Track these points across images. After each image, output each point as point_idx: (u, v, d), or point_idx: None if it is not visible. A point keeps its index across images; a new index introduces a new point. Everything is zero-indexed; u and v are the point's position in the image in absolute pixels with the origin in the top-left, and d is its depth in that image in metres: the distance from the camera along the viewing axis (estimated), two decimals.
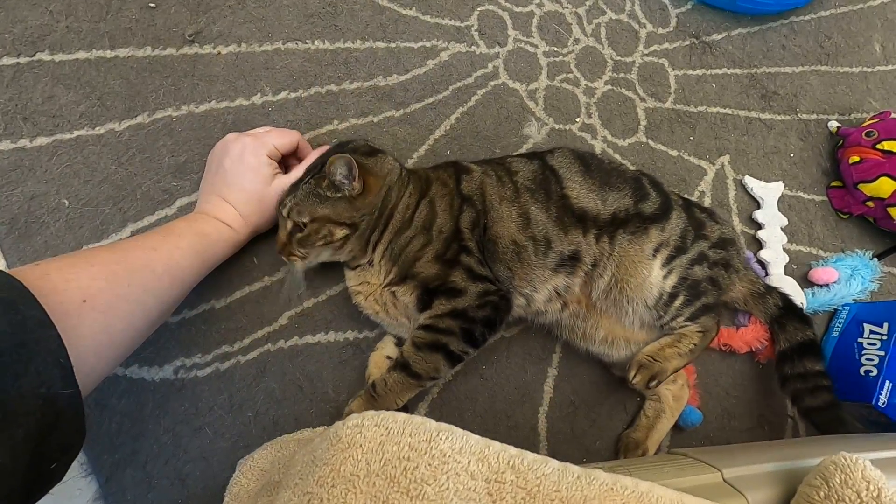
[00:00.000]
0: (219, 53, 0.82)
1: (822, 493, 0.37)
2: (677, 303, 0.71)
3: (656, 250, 0.71)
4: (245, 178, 0.66)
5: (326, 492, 0.33)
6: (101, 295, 0.48)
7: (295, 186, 0.66)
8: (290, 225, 0.64)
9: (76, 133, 0.74)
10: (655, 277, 0.70)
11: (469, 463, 0.35)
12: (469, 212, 0.67)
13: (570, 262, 0.69)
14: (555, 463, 0.36)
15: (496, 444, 0.37)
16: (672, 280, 0.71)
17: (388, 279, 0.67)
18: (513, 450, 0.37)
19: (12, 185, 0.70)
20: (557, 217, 0.69)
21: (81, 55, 0.77)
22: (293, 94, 0.83)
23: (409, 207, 0.67)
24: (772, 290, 0.81)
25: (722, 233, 0.77)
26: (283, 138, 0.70)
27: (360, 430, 0.36)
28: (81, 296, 0.47)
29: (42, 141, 0.72)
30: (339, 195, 0.63)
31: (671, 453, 0.54)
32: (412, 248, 0.66)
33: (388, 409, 0.55)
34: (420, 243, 0.66)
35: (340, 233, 0.64)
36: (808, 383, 0.75)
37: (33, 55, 0.75)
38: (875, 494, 0.35)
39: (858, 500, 0.35)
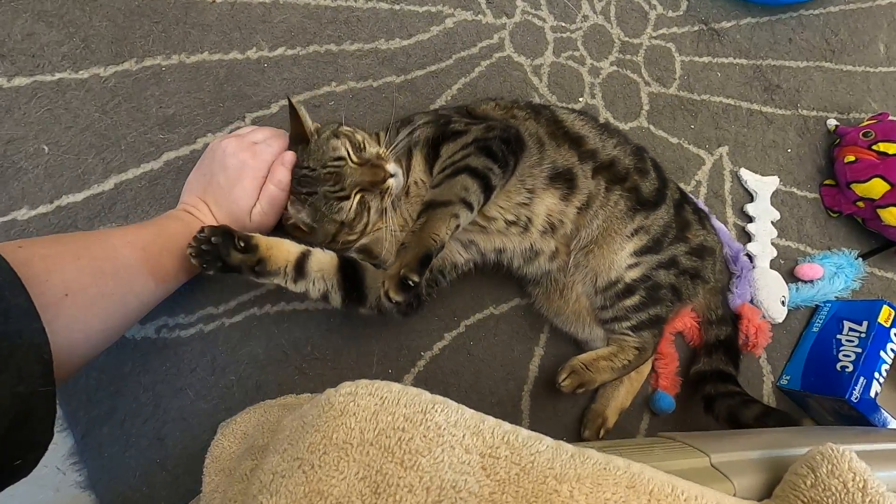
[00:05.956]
0: (213, 1, 0.78)
1: (808, 482, 0.38)
2: (629, 302, 0.70)
3: (635, 231, 0.70)
4: (235, 202, 0.63)
5: (318, 458, 0.33)
6: (84, 291, 0.46)
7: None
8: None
9: (58, 76, 0.70)
10: (621, 260, 0.70)
11: (464, 437, 0.34)
12: (450, 108, 0.72)
13: (565, 181, 0.68)
14: (548, 440, 0.36)
15: (491, 419, 0.37)
16: (634, 273, 0.70)
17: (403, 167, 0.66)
18: (507, 425, 0.37)
19: None
20: (549, 131, 0.70)
21: None
22: (290, 51, 0.80)
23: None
24: (722, 324, 0.81)
25: (704, 240, 0.77)
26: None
27: (354, 398, 0.35)
28: (64, 289, 0.44)
29: (21, 81, 0.68)
30: None
31: (660, 436, 0.54)
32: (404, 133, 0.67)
33: (428, 247, 0.53)
34: (410, 128, 0.68)
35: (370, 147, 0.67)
36: (736, 400, 0.75)
37: None
38: (861, 485, 0.36)
39: (845, 491, 0.36)
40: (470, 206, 0.57)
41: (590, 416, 0.76)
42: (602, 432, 0.74)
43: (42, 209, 0.66)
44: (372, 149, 0.65)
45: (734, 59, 1.02)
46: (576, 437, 0.78)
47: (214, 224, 0.60)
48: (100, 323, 0.48)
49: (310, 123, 0.67)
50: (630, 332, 0.72)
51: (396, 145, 0.65)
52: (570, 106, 0.79)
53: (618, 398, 0.76)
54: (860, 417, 0.76)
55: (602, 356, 0.71)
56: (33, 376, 0.37)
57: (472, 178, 0.58)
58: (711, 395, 0.77)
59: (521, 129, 0.67)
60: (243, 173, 0.63)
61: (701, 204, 0.87)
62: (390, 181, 0.63)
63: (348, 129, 0.66)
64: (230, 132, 0.73)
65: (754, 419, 0.72)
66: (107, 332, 0.50)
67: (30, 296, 0.38)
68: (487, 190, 0.59)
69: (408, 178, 0.66)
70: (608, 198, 0.70)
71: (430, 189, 0.60)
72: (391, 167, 0.63)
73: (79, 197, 0.67)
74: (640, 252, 0.70)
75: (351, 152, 0.63)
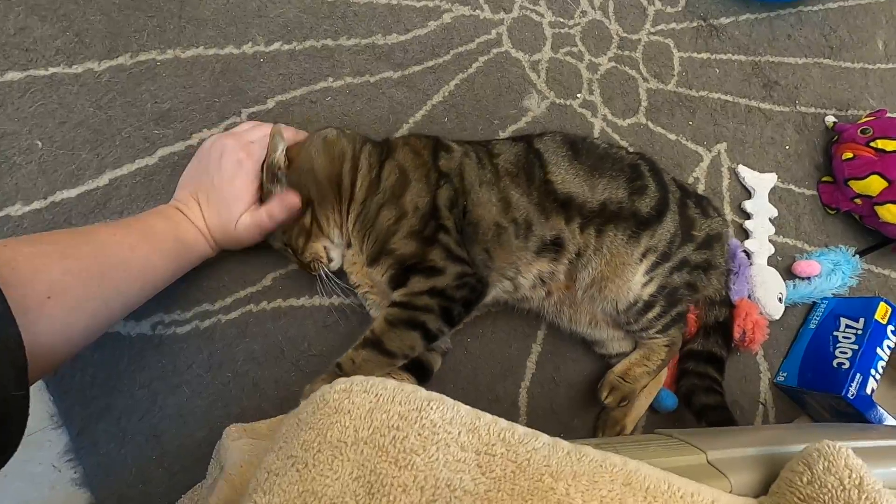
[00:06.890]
0: None
1: (805, 479, 0.38)
2: (651, 314, 0.71)
3: (644, 255, 0.69)
4: (226, 205, 0.62)
5: (312, 457, 0.32)
6: (68, 292, 0.45)
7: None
8: (285, 245, 0.67)
9: (51, 70, 0.69)
10: (636, 283, 0.69)
11: (459, 434, 0.34)
12: (447, 189, 0.66)
13: (553, 247, 0.68)
14: (545, 437, 0.36)
15: (487, 416, 0.37)
16: (650, 289, 0.70)
17: (364, 258, 0.66)
18: (503, 422, 0.37)
19: None
20: (539, 202, 0.67)
21: None
22: (287, 46, 0.79)
23: (373, 167, 0.67)
24: (724, 306, 0.81)
25: (710, 229, 0.76)
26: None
27: (349, 395, 0.35)
28: (47, 291, 0.43)
29: (14, 76, 0.68)
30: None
31: (657, 433, 0.55)
32: (384, 218, 0.64)
33: None
34: (393, 215, 0.64)
35: (306, 217, 0.66)
36: (704, 382, 0.77)
37: None
38: (857, 482, 0.36)
39: (841, 487, 0.36)
40: (409, 358, 0.62)
41: (609, 423, 0.76)
42: None
43: (36, 205, 0.65)
44: (316, 244, 0.66)
45: (733, 55, 1.02)
46: (574, 434, 0.78)
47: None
48: (81, 324, 0.47)
49: (277, 155, 0.64)
50: (657, 336, 0.72)
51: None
52: (570, 133, 0.74)
53: (638, 407, 0.76)
54: (856, 414, 0.76)
55: (635, 363, 0.72)
56: (7, 381, 0.37)
57: (422, 339, 0.61)
58: (687, 370, 0.78)
59: (499, 260, 0.66)
60: (238, 174, 0.62)
61: None
62: (326, 264, 0.67)
63: (306, 221, 0.65)
64: (226, 128, 0.73)
65: (701, 407, 0.74)
66: (88, 333, 0.49)
67: (6, 300, 0.38)
68: (431, 342, 0.63)
69: (362, 257, 0.67)
70: (601, 241, 0.68)
71: (385, 320, 0.61)
72: (333, 263, 0.68)
73: (73, 193, 0.67)
74: (652, 268, 0.70)
75: (291, 250, 0.67)
